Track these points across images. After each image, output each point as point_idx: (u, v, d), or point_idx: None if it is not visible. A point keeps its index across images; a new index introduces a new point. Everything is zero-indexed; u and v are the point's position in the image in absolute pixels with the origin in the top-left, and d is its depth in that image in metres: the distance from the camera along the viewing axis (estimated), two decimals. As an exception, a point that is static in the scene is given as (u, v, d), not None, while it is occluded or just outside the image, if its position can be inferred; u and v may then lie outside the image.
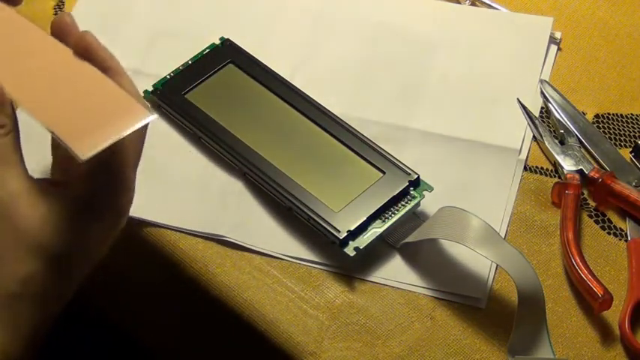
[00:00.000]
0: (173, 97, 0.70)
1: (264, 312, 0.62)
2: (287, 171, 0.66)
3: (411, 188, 0.65)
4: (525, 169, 0.69)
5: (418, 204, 0.65)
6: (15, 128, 0.54)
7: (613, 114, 0.72)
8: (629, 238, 0.65)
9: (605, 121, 0.72)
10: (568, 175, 0.67)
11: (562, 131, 0.70)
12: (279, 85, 0.70)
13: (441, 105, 0.71)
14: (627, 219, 0.66)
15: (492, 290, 0.63)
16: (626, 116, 0.72)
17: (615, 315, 0.62)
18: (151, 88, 0.71)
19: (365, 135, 0.67)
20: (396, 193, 0.64)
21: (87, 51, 0.55)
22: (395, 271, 0.64)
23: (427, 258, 0.64)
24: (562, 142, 0.70)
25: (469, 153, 0.69)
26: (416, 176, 0.65)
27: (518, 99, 0.71)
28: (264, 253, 0.64)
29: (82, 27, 0.75)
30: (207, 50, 0.73)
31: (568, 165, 0.68)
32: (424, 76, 0.73)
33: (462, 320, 0.62)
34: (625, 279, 0.64)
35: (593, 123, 0.71)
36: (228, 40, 0.73)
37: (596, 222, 0.66)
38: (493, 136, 0.69)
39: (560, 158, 0.69)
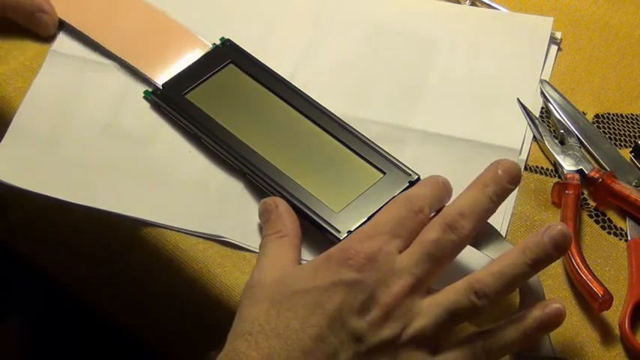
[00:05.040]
0: (173, 97, 0.70)
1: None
2: (287, 171, 0.66)
3: (412, 189, 0.65)
4: (525, 169, 0.69)
5: (418, 204, 0.65)
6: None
7: (613, 114, 0.72)
8: (629, 238, 0.65)
9: (605, 121, 0.72)
10: (568, 175, 0.67)
11: (562, 131, 0.70)
12: (279, 86, 0.70)
13: (441, 105, 0.71)
14: (627, 219, 0.66)
15: (492, 290, 0.63)
16: (626, 116, 0.72)
17: (615, 315, 0.62)
18: (151, 89, 0.72)
19: (365, 135, 0.68)
20: (397, 193, 0.64)
21: None
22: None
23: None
24: (562, 142, 0.70)
25: (469, 153, 0.69)
26: (416, 177, 0.65)
27: (518, 99, 0.71)
28: (264, 253, 0.64)
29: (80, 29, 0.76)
30: (208, 50, 0.73)
31: (568, 165, 0.68)
32: (424, 76, 0.73)
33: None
34: (625, 279, 0.64)
35: (593, 123, 0.71)
36: (228, 40, 0.73)
37: (596, 222, 0.66)
38: (493, 136, 0.69)
39: (560, 158, 0.69)
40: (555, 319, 0.55)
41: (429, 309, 0.54)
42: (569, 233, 0.56)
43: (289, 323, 0.54)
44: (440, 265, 0.56)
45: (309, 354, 0.53)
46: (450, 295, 0.55)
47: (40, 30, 0.75)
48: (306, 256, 0.64)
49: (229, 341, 0.56)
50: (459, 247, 0.57)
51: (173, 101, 0.70)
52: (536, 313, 0.55)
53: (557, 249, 0.55)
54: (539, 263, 0.55)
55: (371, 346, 0.53)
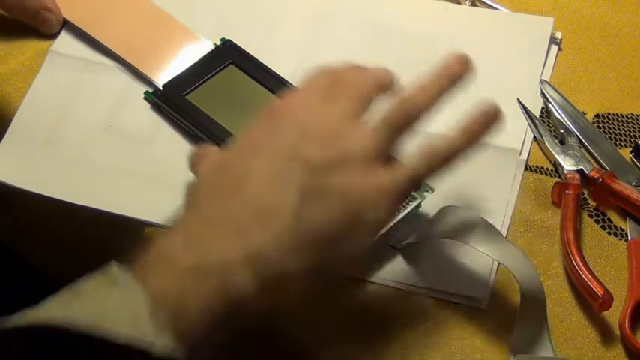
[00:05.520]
0: (174, 98, 0.70)
1: (265, 312, 0.62)
2: (288, 172, 0.66)
3: (412, 189, 0.65)
4: (525, 168, 0.69)
5: (419, 205, 0.65)
6: None
7: (613, 114, 0.72)
8: (629, 238, 0.65)
9: (605, 121, 0.72)
10: (568, 175, 0.67)
11: (562, 131, 0.70)
12: (279, 86, 0.70)
13: (441, 105, 0.71)
14: (627, 219, 0.66)
15: (493, 291, 0.63)
16: (626, 116, 0.72)
17: (615, 315, 0.62)
18: (151, 89, 0.72)
19: (365, 135, 0.68)
20: (397, 193, 0.64)
21: None
22: (396, 272, 0.64)
23: (428, 259, 0.64)
24: (562, 142, 0.70)
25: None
26: (416, 177, 0.65)
27: (518, 99, 0.71)
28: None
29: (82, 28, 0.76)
30: (208, 51, 0.73)
31: (568, 165, 0.68)
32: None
33: (463, 320, 0.62)
34: (625, 279, 0.64)
35: (593, 123, 0.71)
36: (228, 41, 0.73)
37: (596, 222, 0.66)
38: (493, 136, 0.69)
39: (560, 158, 0.69)
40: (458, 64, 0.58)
41: (367, 127, 0.55)
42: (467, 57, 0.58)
43: (234, 176, 0.54)
44: (366, 97, 0.56)
45: (258, 195, 0.52)
46: (384, 112, 0.56)
47: (44, 28, 0.75)
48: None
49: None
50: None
51: (173, 102, 0.70)
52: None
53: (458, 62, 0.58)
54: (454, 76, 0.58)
55: (316, 167, 0.53)
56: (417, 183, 0.56)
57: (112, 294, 0.49)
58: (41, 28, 0.75)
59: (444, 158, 0.56)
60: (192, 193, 0.56)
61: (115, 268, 0.51)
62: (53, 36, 0.75)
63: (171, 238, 0.53)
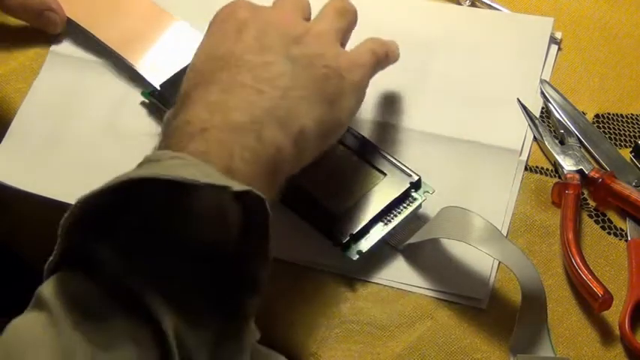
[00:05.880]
0: (172, 98, 0.70)
1: (264, 313, 0.62)
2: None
3: (413, 190, 0.65)
4: (525, 169, 0.69)
5: (420, 206, 0.65)
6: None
7: (613, 114, 0.72)
8: (629, 238, 0.66)
9: (605, 121, 0.72)
10: (568, 175, 0.67)
11: (562, 131, 0.70)
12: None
13: (442, 106, 0.71)
14: (627, 219, 0.66)
15: (493, 291, 0.63)
16: (626, 116, 0.72)
17: (615, 315, 0.62)
18: (149, 89, 0.71)
19: (366, 137, 0.67)
20: (398, 195, 0.64)
21: None
22: (397, 273, 0.64)
23: (429, 259, 0.64)
24: (562, 142, 0.70)
25: (470, 154, 0.69)
26: (417, 178, 0.65)
27: (518, 99, 0.71)
28: (265, 254, 0.64)
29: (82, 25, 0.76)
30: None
31: (568, 165, 0.68)
32: (424, 77, 0.73)
33: (463, 320, 0.62)
34: (625, 279, 0.64)
35: (593, 123, 0.71)
36: (228, 40, 0.73)
37: (596, 222, 0.67)
38: (494, 136, 0.69)
39: (560, 158, 0.69)
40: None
41: (316, 19, 0.63)
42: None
43: (224, 56, 0.58)
44: (305, 5, 0.65)
45: (255, 64, 0.58)
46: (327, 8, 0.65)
47: (48, 28, 0.75)
48: (308, 257, 0.64)
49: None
50: None
51: (172, 102, 0.70)
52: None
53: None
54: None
55: (291, 38, 0.60)
56: (377, 58, 0.64)
57: (163, 164, 0.51)
58: (45, 28, 0.75)
59: (389, 46, 0.67)
60: (190, 78, 0.59)
61: (149, 156, 0.53)
62: (53, 36, 0.75)
63: (189, 112, 0.56)
